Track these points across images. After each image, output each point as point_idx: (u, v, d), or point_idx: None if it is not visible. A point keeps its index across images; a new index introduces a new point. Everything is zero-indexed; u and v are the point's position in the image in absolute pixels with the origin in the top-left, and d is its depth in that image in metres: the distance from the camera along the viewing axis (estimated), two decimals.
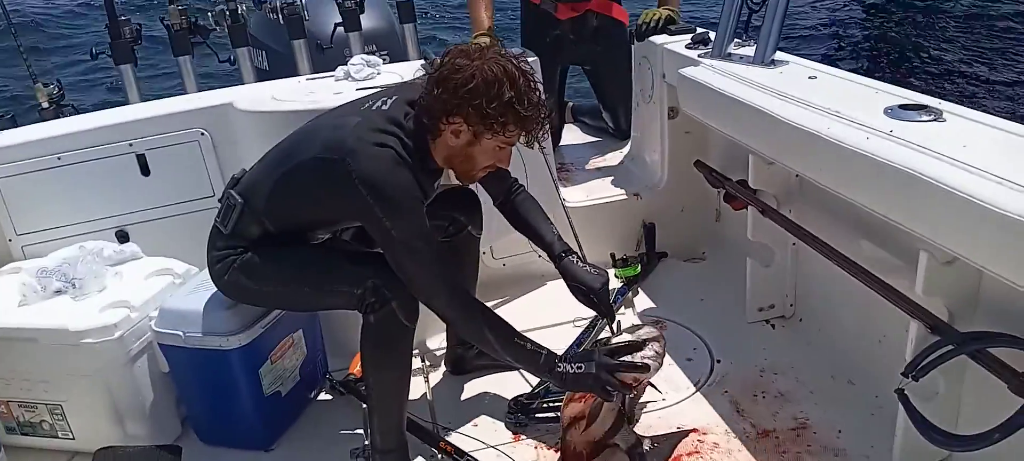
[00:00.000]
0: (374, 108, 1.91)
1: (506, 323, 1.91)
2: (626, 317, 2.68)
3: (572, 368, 1.89)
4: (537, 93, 1.83)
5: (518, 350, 1.89)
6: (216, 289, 2.07)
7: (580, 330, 2.56)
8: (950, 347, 1.65)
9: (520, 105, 1.77)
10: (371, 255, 1.95)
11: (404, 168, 1.80)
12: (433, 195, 2.06)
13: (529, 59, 2.74)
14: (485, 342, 1.89)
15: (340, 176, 1.78)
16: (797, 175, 2.29)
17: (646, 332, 2.02)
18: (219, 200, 2.05)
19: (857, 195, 1.86)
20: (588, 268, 2.09)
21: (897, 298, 1.84)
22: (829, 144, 1.87)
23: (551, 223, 2.19)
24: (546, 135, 1.90)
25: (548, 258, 2.15)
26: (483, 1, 2.95)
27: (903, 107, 1.91)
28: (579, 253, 2.16)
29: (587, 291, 2.07)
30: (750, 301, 2.60)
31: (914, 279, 1.76)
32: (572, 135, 3.71)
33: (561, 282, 2.13)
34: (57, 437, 2.26)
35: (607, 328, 2.20)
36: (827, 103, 2.02)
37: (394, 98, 1.92)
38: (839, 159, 1.84)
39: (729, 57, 2.59)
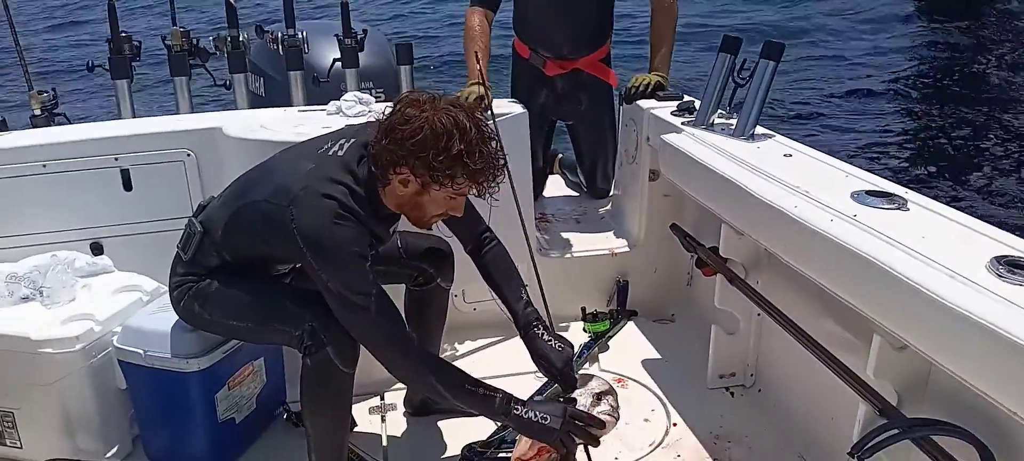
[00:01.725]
0: (329, 153, 1.89)
1: (457, 370, 1.86)
2: (589, 369, 2.68)
3: (536, 414, 1.85)
4: (490, 146, 1.78)
5: (470, 396, 1.84)
6: None
7: (542, 381, 2.56)
8: (896, 431, 1.66)
9: (470, 158, 1.73)
10: (315, 296, 1.94)
11: (347, 221, 1.77)
12: (388, 239, 2.06)
13: (517, 111, 2.84)
14: (434, 392, 1.86)
15: (283, 224, 1.77)
16: (765, 248, 2.33)
17: (597, 384, 2.00)
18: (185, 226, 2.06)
19: (818, 274, 1.89)
20: (553, 343, 2.02)
21: (850, 377, 1.86)
22: (795, 222, 1.90)
23: (522, 285, 2.13)
24: (498, 187, 1.84)
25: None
26: (478, 49, 3.00)
27: (869, 193, 1.95)
28: (546, 321, 2.09)
29: (549, 368, 2.02)
30: (712, 367, 2.61)
31: (867, 360, 1.78)
32: (556, 186, 3.74)
33: None
34: (4, 444, 2.24)
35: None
36: (798, 182, 2.07)
37: (351, 142, 1.91)
38: (803, 238, 1.88)
39: (711, 127, 2.65)
